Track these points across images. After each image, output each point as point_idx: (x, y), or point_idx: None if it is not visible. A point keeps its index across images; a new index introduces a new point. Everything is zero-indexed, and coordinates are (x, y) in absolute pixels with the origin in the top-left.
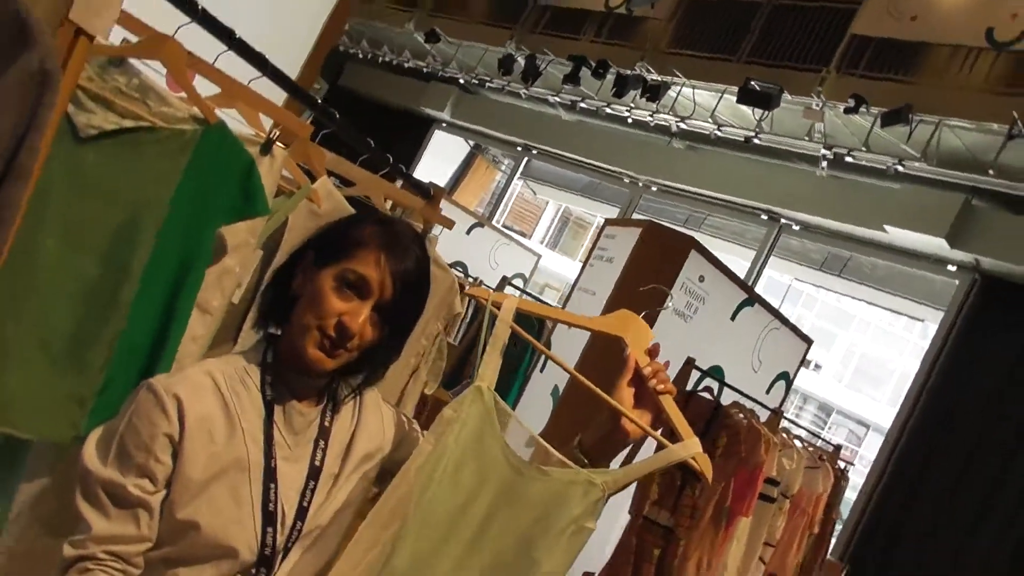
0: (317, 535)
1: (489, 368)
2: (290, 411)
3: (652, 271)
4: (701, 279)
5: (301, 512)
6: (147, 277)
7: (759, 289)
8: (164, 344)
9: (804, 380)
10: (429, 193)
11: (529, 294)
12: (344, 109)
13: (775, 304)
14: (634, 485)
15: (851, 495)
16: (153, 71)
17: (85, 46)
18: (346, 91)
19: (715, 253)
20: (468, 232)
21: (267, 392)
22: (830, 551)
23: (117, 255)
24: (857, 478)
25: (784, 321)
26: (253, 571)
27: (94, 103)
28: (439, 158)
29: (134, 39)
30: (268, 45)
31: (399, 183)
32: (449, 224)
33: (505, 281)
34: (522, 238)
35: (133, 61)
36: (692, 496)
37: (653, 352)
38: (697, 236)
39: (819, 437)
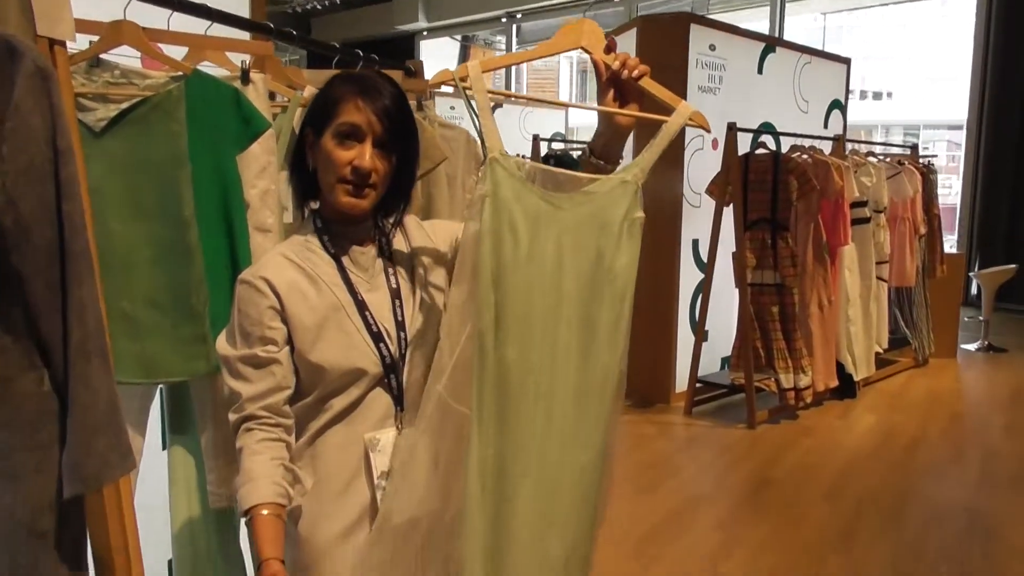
0: (421, 339)
1: (492, 136)
2: (354, 255)
3: (661, 65)
4: (712, 48)
5: (399, 325)
6: (200, 218)
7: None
8: (239, 267)
9: (880, 111)
10: (411, 70)
11: (568, 141)
12: (325, 66)
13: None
14: (729, 261)
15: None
16: (127, 58)
17: (63, 52)
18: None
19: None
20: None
21: (329, 248)
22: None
23: (170, 210)
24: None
25: (813, 52)
26: (385, 380)
27: (93, 102)
28: (434, 66)
29: (95, 38)
30: None
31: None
32: (427, 86)
33: (537, 139)
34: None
35: (107, 56)
36: (787, 247)
37: (611, 47)
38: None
39: (888, 143)
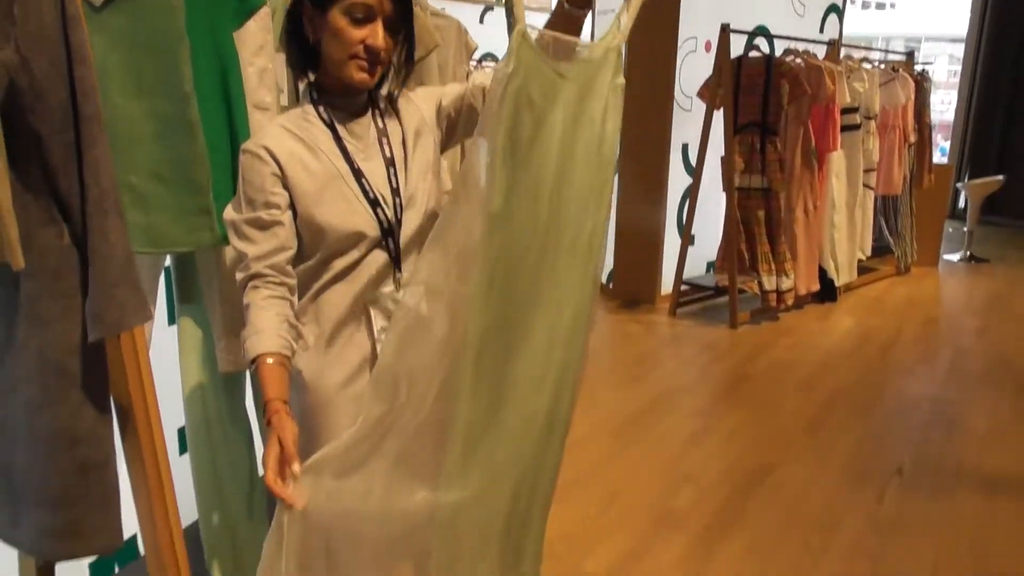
0: (416, 207)
1: (519, 6)
2: (350, 125)
3: None
4: None
5: (395, 191)
6: (200, 94)
7: None
8: (238, 143)
9: (881, 22)
10: None
11: None
12: None
13: None
14: (718, 166)
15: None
16: None
17: None
18: None
19: None
20: (481, 20)
21: (326, 119)
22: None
23: (170, 86)
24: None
25: None
26: (383, 242)
27: None
28: None
29: None
30: None
31: None
32: None
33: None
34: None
35: None
36: (776, 151)
37: None
38: None
39: (887, 51)
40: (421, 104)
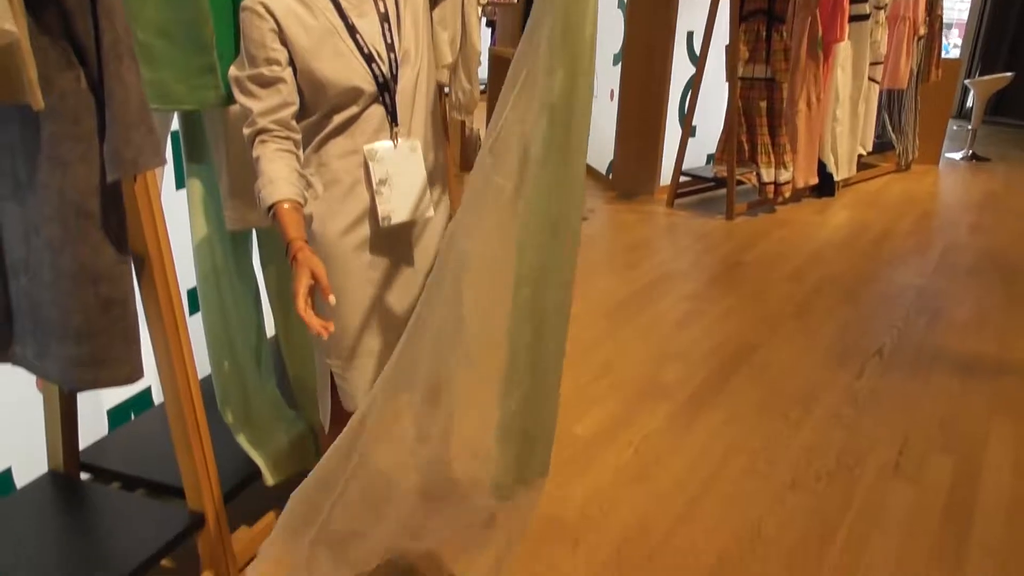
0: (410, 63)
1: None
2: None
3: None
4: None
5: (389, 47)
6: None
7: None
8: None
9: None
10: None
11: None
12: None
13: None
14: (722, 56)
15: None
16: None
17: None
18: None
19: None
20: None
21: None
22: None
23: None
24: None
25: None
26: (380, 97)
27: None
28: None
29: None
30: None
31: None
32: None
33: None
34: None
35: None
36: (781, 40)
37: None
38: None
39: None
40: None
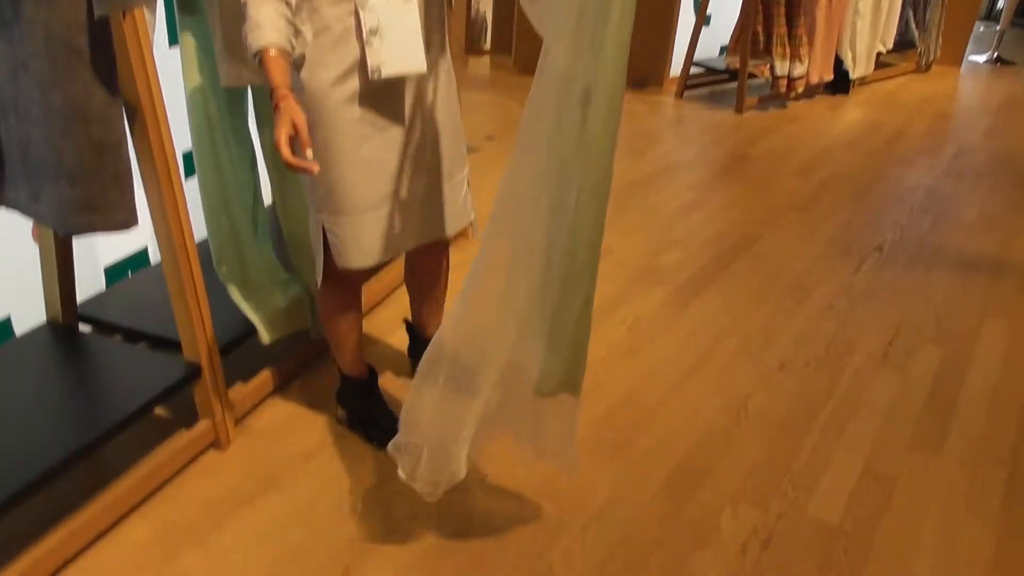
0: None
1: None
2: None
3: None
4: None
5: None
6: None
7: None
8: None
9: None
10: None
11: None
12: None
13: None
14: None
15: None
16: None
17: None
18: None
19: None
20: None
21: None
22: None
23: None
24: None
25: None
26: None
27: None
28: None
29: None
30: None
31: None
32: None
33: None
34: None
35: None
36: None
37: None
38: None
39: None
40: None
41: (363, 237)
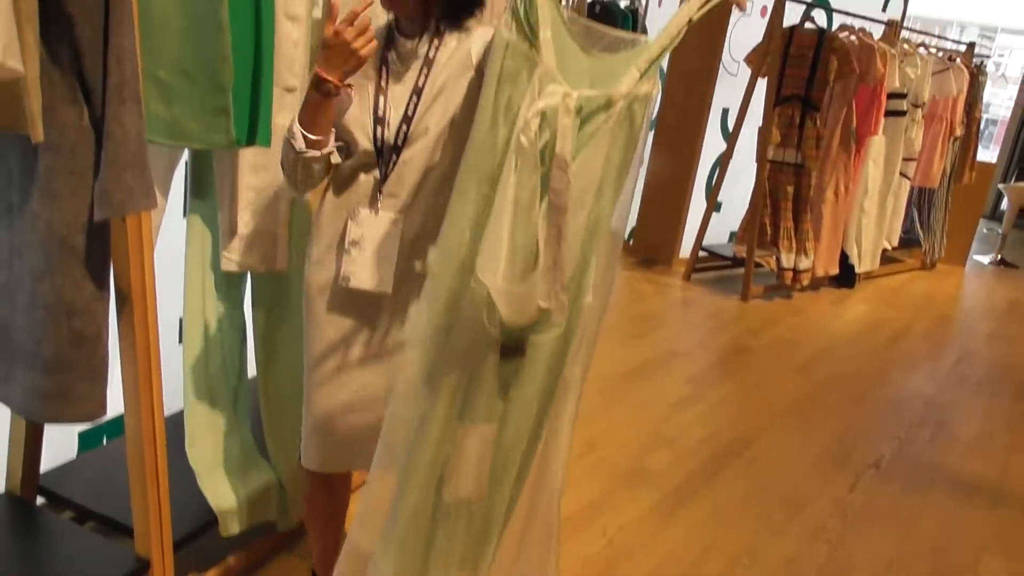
0: (423, 141)
1: None
2: (401, 43)
3: None
4: None
5: (406, 119)
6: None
7: None
8: (261, 51)
9: (956, 7)
10: None
11: None
12: None
13: None
14: (754, 136)
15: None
16: None
17: None
18: None
19: None
20: None
21: (389, 33)
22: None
23: None
24: None
25: None
26: (377, 161)
27: None
28: None
29: None
30: None
31: None
32: None
33: None
34: None
35: None
36: (814, 128)
37: None
38: None
39: (944, 38)
40: (476, 42)
41: (313, 437)
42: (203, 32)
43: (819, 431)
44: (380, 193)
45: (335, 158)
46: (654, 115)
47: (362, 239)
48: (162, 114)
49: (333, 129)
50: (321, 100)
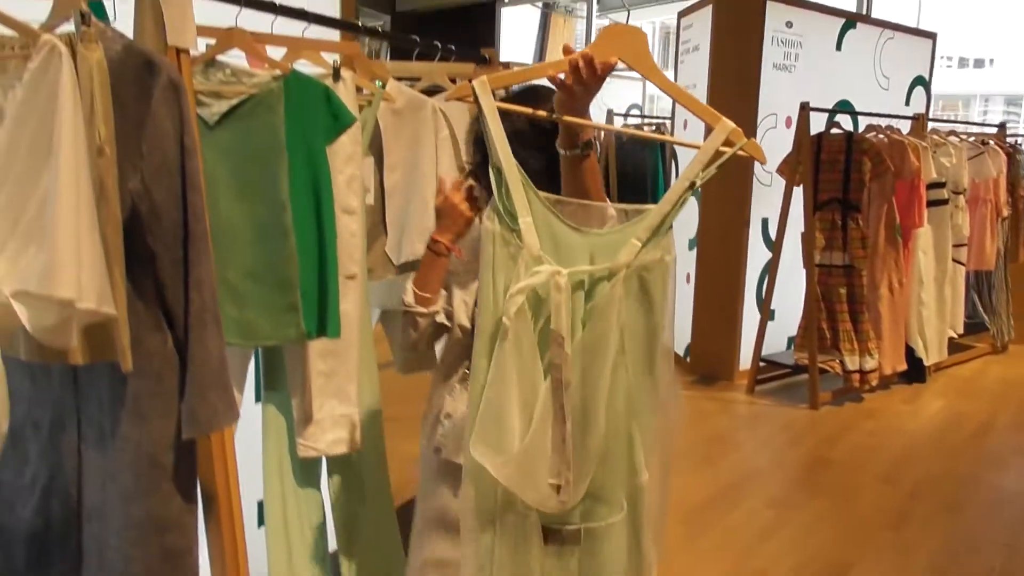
0: None
1: (500, 151)
2: None
3: (735, 42)
4: (789, 25)
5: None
6: (294, 202)
7: (880, 5)
8: (325, 245)
9: (979, 81)
10: (485, 59)
11: (645, 116)
12: (409, 33)
13: (910, 15)
14: (798, 241)
15: None
16: (235, 58)
17: (187, 58)
18: (405, 15)
19: None
20: None
21: None
22: None
23: (269, 194)
24: None
25: (896, 27)
26: (470, 343)
27: (209, 98)
28: (517, 35)
29: (211, 41)
30: (305, 0)
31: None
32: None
33: (611, 114)
34: (627, 69)
35: (220, 57)
36: (858, 228)
37: (566, 51)
38: None
39: (968, 123)
40: None
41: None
42: (270, 237)
43: (919, 547)
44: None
45: (440, 318)
46: (695, 233)
47: (455, 413)
48: (234, 316)
49: (444, 292)
50: (433, 259)
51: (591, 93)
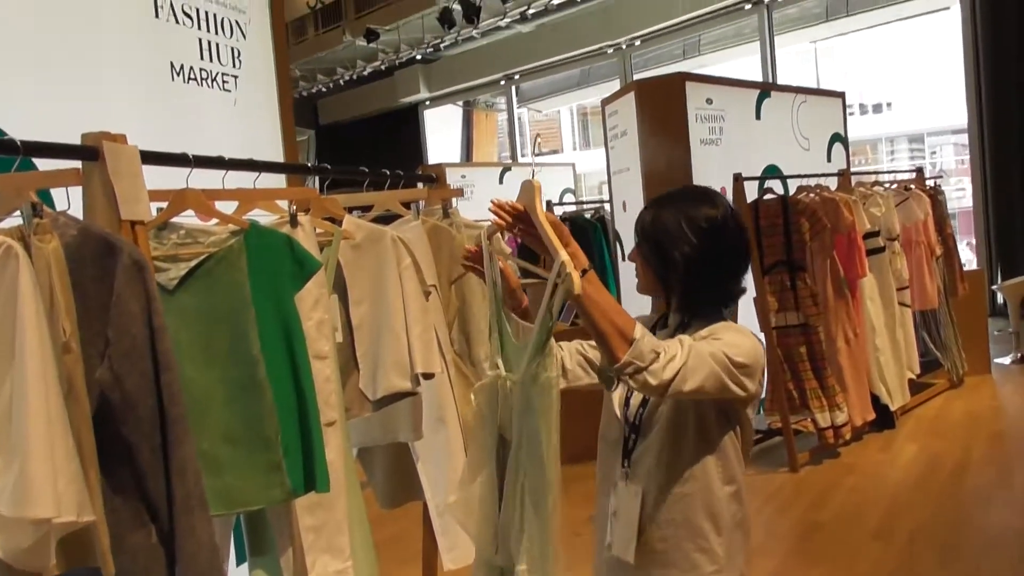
0: (656, 429)
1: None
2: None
3: (662, 124)
4: (709, 102)
5: (643, 402)
6: (267, 355)
7: (784, 71)
8: (304, 396)
9: (881, 124)
10: (433, 178)
11: (580, 203)
12: (335, 144)
13: (810, 74)
14: (752, 307)
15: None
16: (187, 217)
17: (142, 230)
18: (329, 128)
19: (727, 64)
20: (500, 180)
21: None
22: (971, 264)
23: (239, 352)
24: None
25: (808, 91)
26: (621, 438)
27: (165, 263)
28: (441, 134)
29: (163, 204)
30: (251, 149)
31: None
32: (457, 193)
33: (550, 205)
34: (554, 155)
35: (173, 220)
36: (807, 286)
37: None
38: (702, 59)
39: (889, 171)
40: None
41: None
42: (245, 396)
43: None
44: (624, 466)
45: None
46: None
47: (617, 509)
48: (213, 485)
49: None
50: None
51: (530, 230)
